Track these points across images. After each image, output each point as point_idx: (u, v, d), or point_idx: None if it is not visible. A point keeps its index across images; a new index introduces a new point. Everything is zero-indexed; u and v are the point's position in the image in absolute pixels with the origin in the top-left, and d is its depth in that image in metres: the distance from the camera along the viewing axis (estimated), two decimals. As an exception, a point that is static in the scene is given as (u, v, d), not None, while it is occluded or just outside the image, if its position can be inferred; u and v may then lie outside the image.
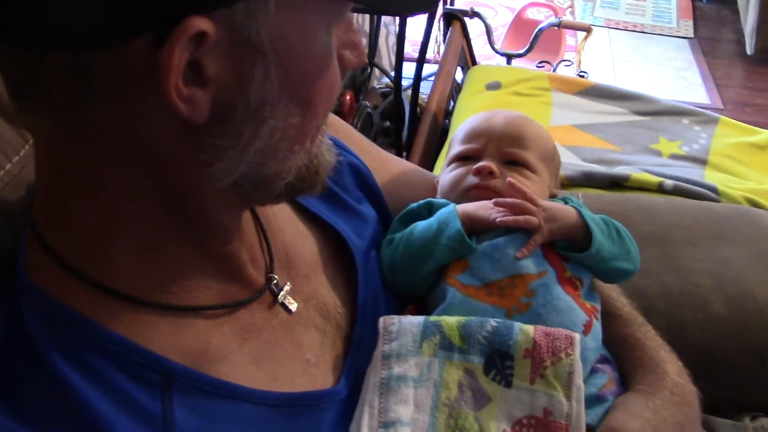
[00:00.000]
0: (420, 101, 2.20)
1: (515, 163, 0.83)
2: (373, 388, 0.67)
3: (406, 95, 2.29)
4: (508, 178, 0.79)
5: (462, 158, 0.85)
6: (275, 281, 0.67)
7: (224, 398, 0.58)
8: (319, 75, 0.56)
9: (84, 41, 0.47)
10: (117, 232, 0.56)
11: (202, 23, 0.47)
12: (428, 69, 2.45)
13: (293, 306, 0.68)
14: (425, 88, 2.15)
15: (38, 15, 0.46)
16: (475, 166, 0.82)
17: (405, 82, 2.25)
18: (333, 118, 0.83)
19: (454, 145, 0.88)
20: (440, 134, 1.87)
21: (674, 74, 3.25)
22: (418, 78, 2.13)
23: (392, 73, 2.31)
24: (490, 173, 0.81)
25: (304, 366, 0.66)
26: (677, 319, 1.05)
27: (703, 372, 0.96)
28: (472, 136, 0.86)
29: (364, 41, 2.28)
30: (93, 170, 0.54)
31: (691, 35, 3.60)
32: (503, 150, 0.83)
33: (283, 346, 0.65)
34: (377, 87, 2.64)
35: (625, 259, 0.78)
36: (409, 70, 2.20)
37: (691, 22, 3.69)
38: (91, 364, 0.54)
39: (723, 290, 1.10)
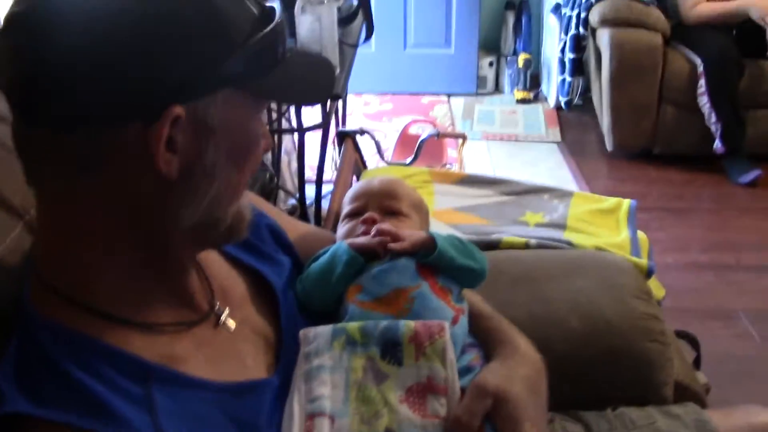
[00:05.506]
0: (322, 215, 2.43)
1: (392, 213, 1.09)
2: (300, 377, 0.87)
3: (311, 211, 2.53)
4: (380, 225, 1.04)
5: (351, 215, 1.11)
6: (217, 307, 0.88)
7: (190, 387, 0.76)
8: (251, 147, 0.78)
9: (104, 121, 0.67)
10: (103, 268, 0.75)
11: (179, 110, 0.68)
12: (327, 188, 2.70)
13: (232, 325, 0.88)
14: (326, 204, 2.38)
15: (71, 102, 0.66)
16: (362, 218, 1.07)
17: (309, 200, 2.50)
18: (255, 197, 1.07)
19: (344, 206, 1.13)
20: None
21: (548, 174, 3.61)
22: (318, 196, 2.35)
23: (296, 195, 2.56)
24: (374, 221, 1.06)
25: (246, 367, 0.86)
26: (543, 336, 1.14)
27: (567, 376, 1.17)
28: (357, 196, 1.12)
29: (269, 156, 2.51)
30: (86, 221, 0.73)
31: (559, 140, 4.03)
32: (382, 204, 1.09)
33: (228, 353, 0.85)
34: (283, 208, 2.88)
35: (469, 258, 1.02)
36: (310, 191, 2.45)
37: (557, 129, 4.14)
38: (92, 365, 0.71)
39: (577, 310, 1.33)
